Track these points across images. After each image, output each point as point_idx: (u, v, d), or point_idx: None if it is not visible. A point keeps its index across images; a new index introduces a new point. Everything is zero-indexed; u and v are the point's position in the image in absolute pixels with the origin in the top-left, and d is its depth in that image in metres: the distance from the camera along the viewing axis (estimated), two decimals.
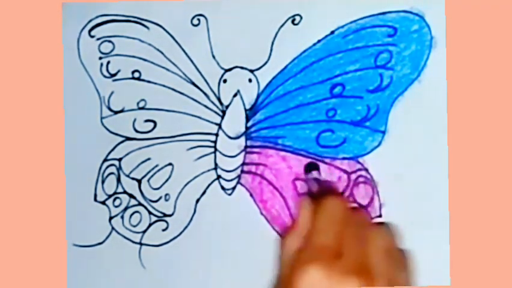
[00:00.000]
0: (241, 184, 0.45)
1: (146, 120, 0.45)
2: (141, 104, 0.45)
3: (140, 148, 0.45)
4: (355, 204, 0.43)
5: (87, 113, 0.45)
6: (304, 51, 0.43)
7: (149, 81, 0.45)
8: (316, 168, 0.43)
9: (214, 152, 0.45)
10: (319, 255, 0.36)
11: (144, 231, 0.46)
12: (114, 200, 0.46)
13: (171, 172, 0.45)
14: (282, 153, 0.44)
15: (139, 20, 0.45)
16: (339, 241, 0.37)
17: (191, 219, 0.45)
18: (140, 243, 0.46)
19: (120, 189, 0.46)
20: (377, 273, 0.36)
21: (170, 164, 0.45)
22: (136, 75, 0.45)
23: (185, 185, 0.45)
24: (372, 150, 0.43)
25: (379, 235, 0.38)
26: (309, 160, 0.44)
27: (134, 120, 0.45)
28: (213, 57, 0.44)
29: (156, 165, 0.45)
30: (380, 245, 0.38)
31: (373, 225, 0.40)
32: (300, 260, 0.37)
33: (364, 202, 0.43)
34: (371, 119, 0.43)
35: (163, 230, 0.45)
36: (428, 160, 0.42)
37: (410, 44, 0.42)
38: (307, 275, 0.35)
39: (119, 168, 0.45)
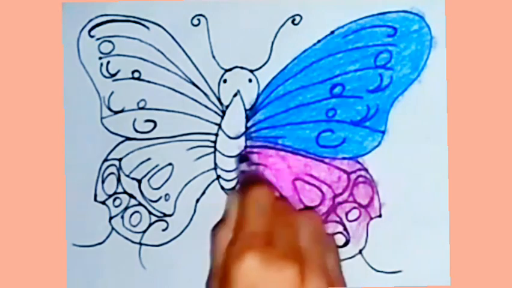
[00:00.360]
0: None
1: (146, 120, 0.45)
2: (141, 104, 0.45)
3: (140, 148, 0.45)
4: (355, 204, 0.43)
5: (87, 113, 0.46)
6: (304, 51, 0.43)
7: (149, 81, 0.45)
8: (246, 160, 0.43)
9: (214, 152, 0.45)
10: (252, 243, 0.37)
11: (144, 231, 0.46)
12: (114, 200, 0.46)
13: (171, 172, 0.45)
14: (282, 153, 0.44)
15: (139, 20, 0.45)
16: (268, 228, 0.38)
17: (191, 219, 0.45)
18: (140, 243, 0.46)
19: (120, 189, 0.46)
20: (308, 257, 0.37)
21: (170, 164, 0.45)
22: (136, 75, 0.45)
23: (186, 185, 0.45)
24: (372, 150, 0.43)
25: (305, 221, 0.39)
26: (308, 160, 0.44)
27: (134, 120, 0.45)
28: (213, 57, 0.44)
29: (156, 165, 0.45)
30: (307, 229, 0.39)
31: (298, 212, 0.42)
32: (234, 249, 0.37)
33: (364, 202, 0.43)
34: (371, 119, 0.43)
35: (163, 230, 0.45)
36: (428, 160, 0.42)
37: (410, 44, 0.42)
38: (244, 262, 0.36)
39: (119, 168, 0.45)
